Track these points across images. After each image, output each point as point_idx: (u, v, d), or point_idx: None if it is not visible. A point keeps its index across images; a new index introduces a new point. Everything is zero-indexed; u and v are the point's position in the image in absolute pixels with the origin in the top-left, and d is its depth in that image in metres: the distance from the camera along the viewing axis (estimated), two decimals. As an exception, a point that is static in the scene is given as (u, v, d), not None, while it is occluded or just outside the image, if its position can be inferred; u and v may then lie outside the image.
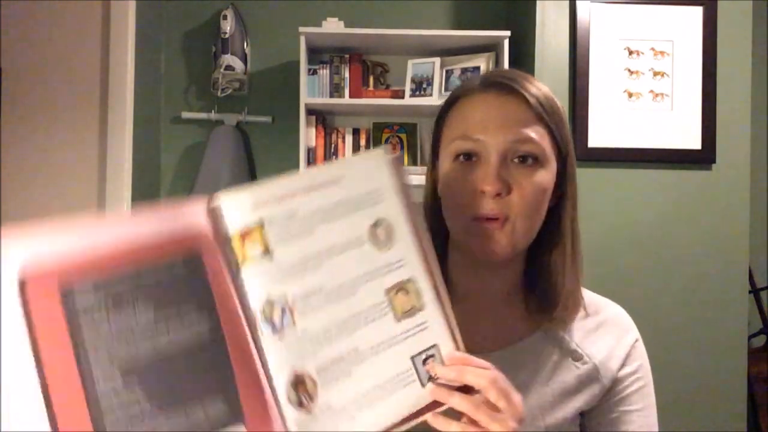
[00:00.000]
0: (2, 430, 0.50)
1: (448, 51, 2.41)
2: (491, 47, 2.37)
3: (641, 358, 0.78)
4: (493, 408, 0.60)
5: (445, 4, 2.55)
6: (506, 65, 2.26)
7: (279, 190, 0.60)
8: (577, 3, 2.06)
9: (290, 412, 0.58)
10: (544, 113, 0.72)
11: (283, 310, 0.59)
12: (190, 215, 0.58)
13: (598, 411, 0.75)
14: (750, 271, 2.16)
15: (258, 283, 0.59)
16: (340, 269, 0.61)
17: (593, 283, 0.79)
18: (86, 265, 0.53)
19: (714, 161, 2.07)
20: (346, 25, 2.38)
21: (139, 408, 0.53)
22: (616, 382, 0.76)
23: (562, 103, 0.77)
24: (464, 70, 2.38)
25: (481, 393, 0.60)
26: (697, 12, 2.07)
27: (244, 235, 0.59)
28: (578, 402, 0.74)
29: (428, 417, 0.61)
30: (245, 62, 2.47)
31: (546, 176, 0.73)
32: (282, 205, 0.60)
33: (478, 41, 2.35)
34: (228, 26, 2.40)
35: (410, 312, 0.62)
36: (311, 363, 0.59)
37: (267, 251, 0.59)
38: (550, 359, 0.75)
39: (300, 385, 0.59)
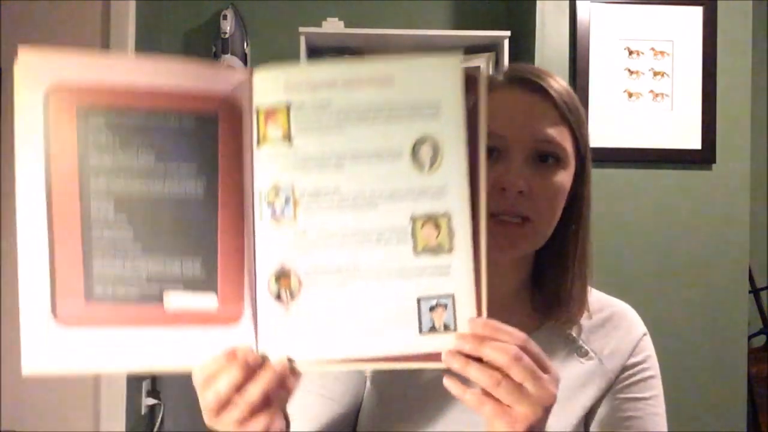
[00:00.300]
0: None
1: (448, 51, 2.40)
2: (491, 47, 2.37)
3: (649, 351, 0.77)
4: (520, 385, 0.53)
5: (445, 4, 2.55)
6: (506, 65, 2.26)
7: (317, 77, 0.56)
8: (577, 3, 2.06)
9: (265, 301, 0.56)
10: (568, 112, 0.71)
11: (287, 200, 0.55)
12: (222, 78, 0.56)
13: (603, 400, 0.74)
14: (750, 271, 2.16)
15: (269, 166, 0.56)
16: (363, 177, 0.55)
17: (593, 283, 0.79)
18: (105, 92, 0.55)
19: (714, 161, 2.07)
20: (346, 25, 2.38)
21: (124, 244, 0.55)
22: (622, 371, 0.74)
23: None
24: (464, 70, 2.38)
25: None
26: (697, 12, 2.07)
27: (269, 114, 0.55)
28: (584, 399, 0.73)
29: (414, 366, 0.56)
30: (245, 62, 2.47)
31: (566, 177, 0.72)
32: (316, 93, 0.55)
33: (478, 41, 2.35)
34: (228, 26, 2.41)
35: (434, 249, 0.55)
36: (302, 262, 0.56)
37: (287, 136, 0.55)
38: (555, 356, 0.74)
39: (284, 278, 0.56)
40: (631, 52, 2.07)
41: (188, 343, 0.55)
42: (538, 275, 0.78)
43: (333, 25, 2.37)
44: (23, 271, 0.54)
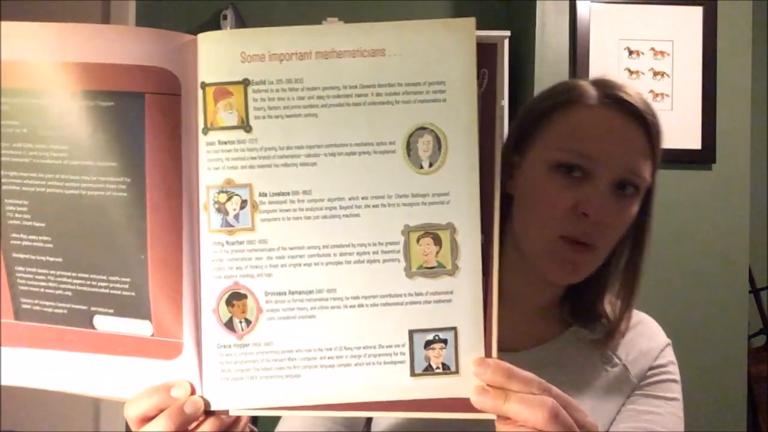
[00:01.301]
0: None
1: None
2: (491, 47, 2.36)
3: (672, 358, 0.76)
4: None
5: (445, 4, 2.55)
6: (506, 65, 2.26)
7: (284, 45, 0.43)
8: (577, 3, 2.06)
9: (212, 331, 0.45)
10: (656, 142, 0.68)
11: (242, 204, 0.44)
12: (154, 46, 0.43)
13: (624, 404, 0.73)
14: (750, 271, 2.16)
15: (219, 159, 0.44)
16: (343, 176, 0.43)
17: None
18: (11, 69, 0.45)
19: (714, 161, 2.06)
20: (346, 25, 2.38)
21: (45, 254, 0.46)
22: (645, 374, 0.73)
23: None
24: (464, 70, 2.38)
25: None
26: (697, 12, 2.07)
27: (219, 93, 0.44)
28: (611, 410, 0.71)
29: (403, 415, 0.46)
30: (245, 62, 2.47)
31: (637, 207, 0.69)
32: (282, 67, 0.43)
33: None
34: (228, 26, 2.40)
35: (432, 272, 0.44)
36: (261, 283, 0.44)
37: (245, 122, 0.44)
38: (580, 363, 0.72)
39: (237, 303, 0.45)
40: (631, 52, 2.07)
41: (124, 374, 0.47)
42: (572, 290, 0.75)
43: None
44: None
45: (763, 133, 2.56)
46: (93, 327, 0.47)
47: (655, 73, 2.07)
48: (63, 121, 0.44)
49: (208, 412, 0.45)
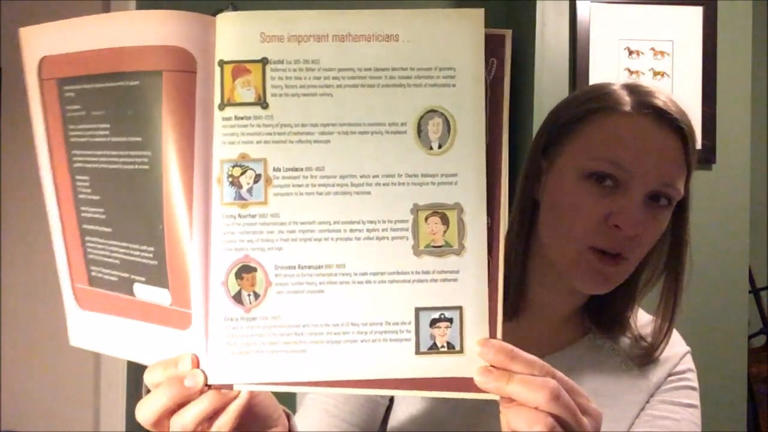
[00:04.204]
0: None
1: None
2: (491, 47, 2.36)
3: (692, 366, 0.76)
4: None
5: (444, 4, 2.55)
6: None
7: (302, 28, 0.45)
8: (577, 3, 2.06)
9: (221, 304, 0.45)
10: (692, 153, 0.66)
11: (256, 179, 0.45)
12: (172, 26, 0.46)
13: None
14: (750, 271, 2.16)
15: (234, 134, 0.45)
16: (355, 155, 0.45)
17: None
18: (73, 60, 0.50)
19: (714, 161, 2.06)
20: (346, 25, 2.37)
21: (101, 225, 0.51)
22: (665, 380, 0.73)
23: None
24: (464, 70, 2.38)
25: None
26: (697, 12, 2.07)
27: (237, 71, 0.45)
28: (629, 415, 0.70)
29: (407, 394, 0.46)
30: (245, 62, 2.47)
31: (668, 218, 0.68)
32: (300, 48, 0.45)
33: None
34: (228, 26, 2.41)
35: (439, 250, 0.45)
36: (271, 256, 0.45)
37: (262, 99, 0.45)
38: (599, 368, 0.72)
39: (247, 276, 0.45)
40: (631, 52, 2.07)
41: (150, 341, 0.49)
42: (596, 298, 0.73)
43: (333, 25, 2.37)
44: (55, 251, 0.54)
45: (763, 133, 2.57)
46: (133, 294, 0.50)
47: (655, 73, 2.07)
48: (106, 101, 0.49)
49: (212, 386, 0.46)
